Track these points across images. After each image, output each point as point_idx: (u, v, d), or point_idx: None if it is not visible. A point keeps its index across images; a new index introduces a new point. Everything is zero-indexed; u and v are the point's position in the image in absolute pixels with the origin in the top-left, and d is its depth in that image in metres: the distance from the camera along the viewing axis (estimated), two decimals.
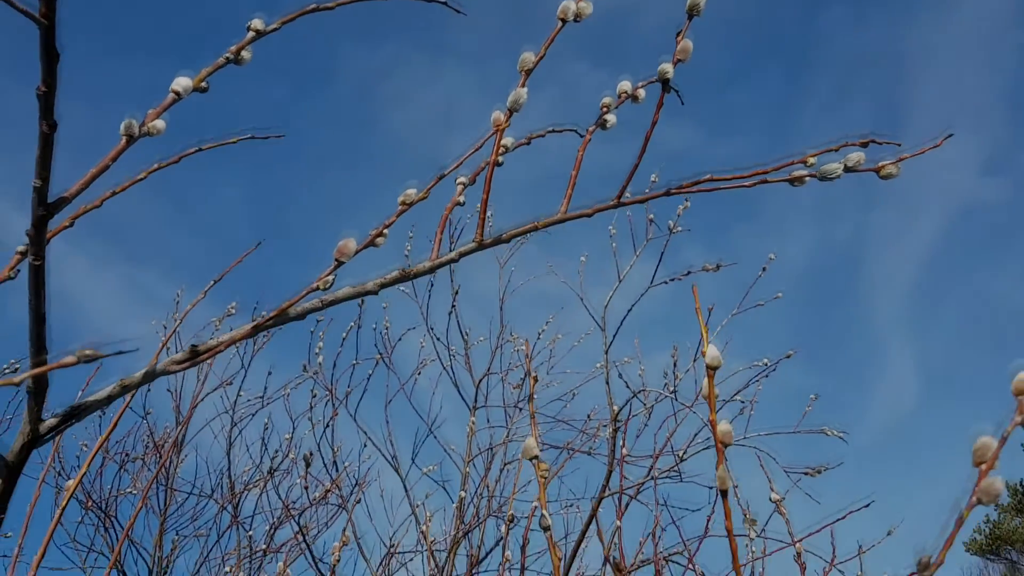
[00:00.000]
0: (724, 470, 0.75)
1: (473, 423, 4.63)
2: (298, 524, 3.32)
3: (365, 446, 4.79)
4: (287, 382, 5.39)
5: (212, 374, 5.64)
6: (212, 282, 1.77)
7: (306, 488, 3.51)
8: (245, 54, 1.05)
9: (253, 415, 5.45)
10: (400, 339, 5.04)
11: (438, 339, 4.79)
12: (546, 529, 0.98)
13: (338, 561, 1.73)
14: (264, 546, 4.35)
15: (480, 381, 4.94)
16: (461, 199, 1.12)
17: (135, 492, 4.81)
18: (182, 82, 0.92)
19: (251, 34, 1.06)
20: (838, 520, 2.71)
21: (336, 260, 0.88)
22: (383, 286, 0.94)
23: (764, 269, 4.29)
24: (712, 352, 0.80)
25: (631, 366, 4.70)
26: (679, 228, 4.31)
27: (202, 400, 5.57)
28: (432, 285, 4.94)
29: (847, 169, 1.01)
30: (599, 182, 1.18)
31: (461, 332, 4.91)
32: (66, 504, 1.55)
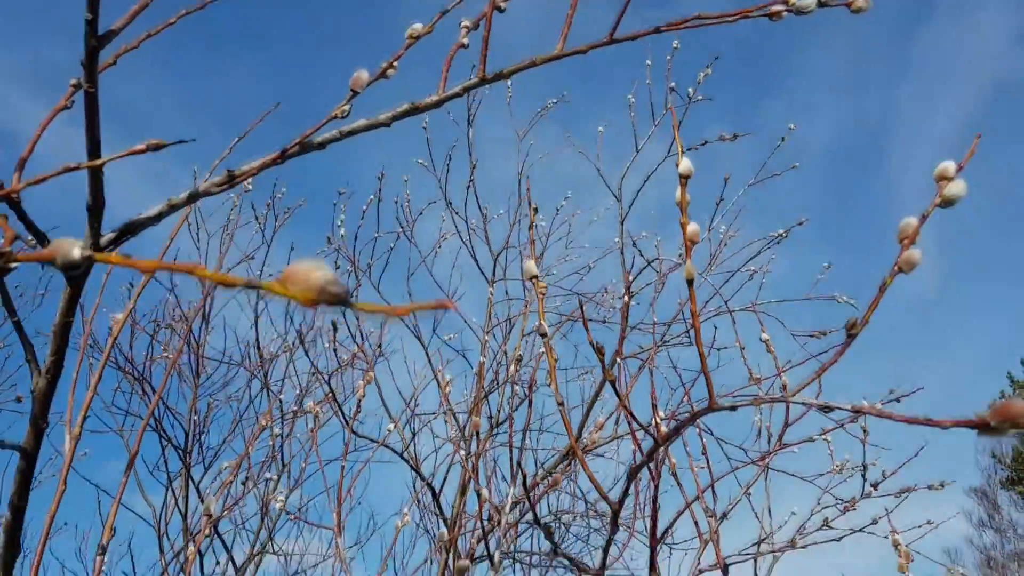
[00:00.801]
0: (691, 264, 0.87)
1: (492, 295, 4.79)
2: (329, 386, 3.52)
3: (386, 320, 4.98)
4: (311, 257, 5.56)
5: (235, 247, 5.84)
6: (236, 139, 1.87)
7: (335, 350, 3.71)
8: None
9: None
10: (420, 214, 5.16)
11: (456, 213, 4.90)
12: (543, 335, 1.11)
13: (364, 396, 1.89)
14: (295, 408, 4.61)
15: (498, 255, 5.08)
16: (465, 41, 1.20)
17: (167, 357, 5.06)
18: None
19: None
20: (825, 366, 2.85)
21: (351, 90, 0.98)
22: (395, 118, 1.04)
23: (783, 139, 4.32)
24: (685, 164, 0.90)
25: (648, 240, 4.82)
26: (700, 97, 4.32)
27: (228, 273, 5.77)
28: (450, 159, 5.02)
29: (821, 4, 1.08)
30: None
31: (479, 206, 5.02)
32: (102, 369, 1.70)
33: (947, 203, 0.73)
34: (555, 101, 5.46)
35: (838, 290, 4.43)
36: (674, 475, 1.77)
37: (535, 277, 1.12)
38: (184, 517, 5.09)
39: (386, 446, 3.21)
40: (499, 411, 4.86)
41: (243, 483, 3.37)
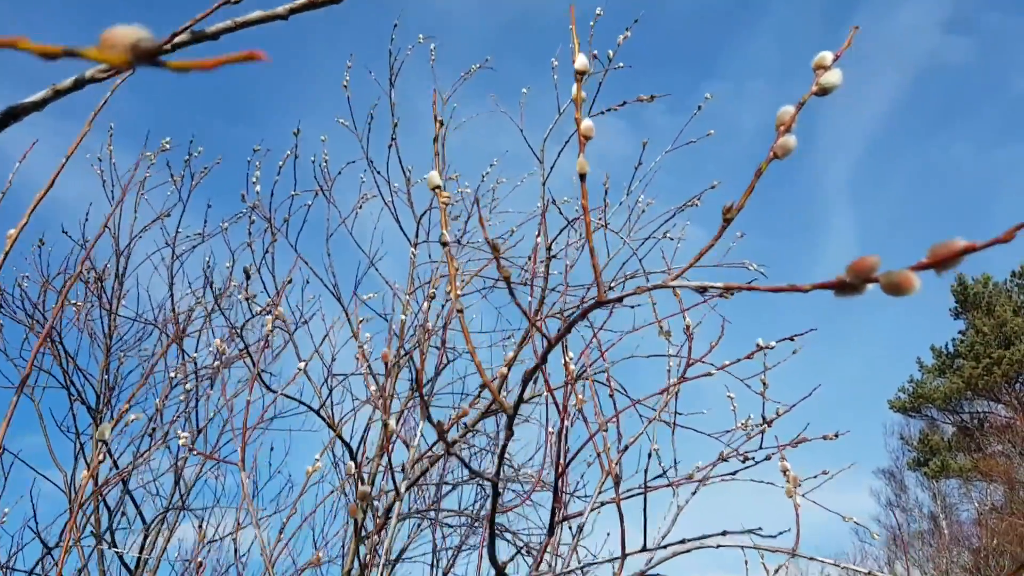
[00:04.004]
0: (583, 159, 0.88)
1: (414, 256, 4.76)
2: (241, 337, 3.45)
3: (308, 282, 4.93)
4: (226, 219, 5.44)
5: (148, 206, 5.67)
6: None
7: (247, 300, 3.64)
8: None
9: (193, 248, 5.53)
10: (340, 173, 5.09)
11: (378, 172, 4.84)
12: (444, 244, 1.11)
13: (271, 332, 1.85)
14: (214, 364, 4.52)
15: (421, 217, 5.05)
16: None
17: (75, 307, 4.90)
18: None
19: None
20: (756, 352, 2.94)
21: None
22: (293, 11, 1.02)
23: (699, 108, 4.39)
24: (581, 60, 0.91)
25: (571, 204, 4.85)
26: (621, 65, 4.36)
27: (140, 236, 5.62)
28: (372, 118, 4.96)
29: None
30: None
31: (402, 168, 4.97)
32: None
33: (823, 91, 0.76)
34: (478, 66, 5.43)
35: (753, 259, 4.56)
36: (580, 411, 1.80)
37: (438, 187, 1.12)
38: (95, 479, 4.94)
39: (299, 401, 3.18)
40: (421, 372, 4.85)
41: (149, 434, 3.29)
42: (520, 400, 1.04)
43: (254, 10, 1.04)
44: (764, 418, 2.92)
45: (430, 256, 5.24)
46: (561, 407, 1.66)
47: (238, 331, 3.47)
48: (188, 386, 3.79)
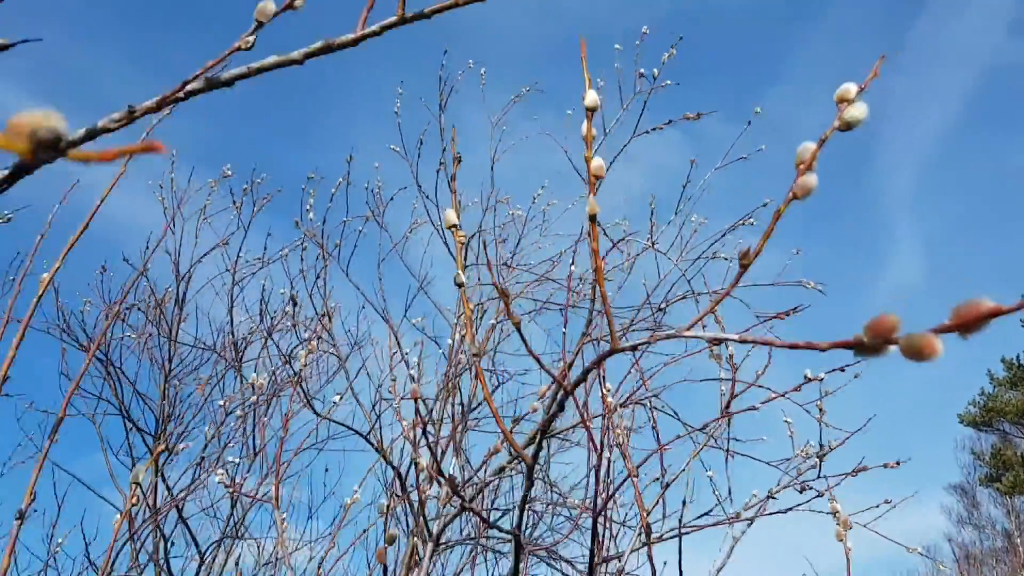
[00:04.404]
0: (593, 200, 0.84)
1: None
2: (289, 362, 3.48)
3: (363, 307, 4.96)
4: (285, 245, 5.54)
5: (211, 231, 5.80)
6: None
7: (294, 327, 3.67)
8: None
9: (253, 275, 5.62)
10: (391, 199, 5.12)
11: (427, 198, 4.86)
12: (459, 286, 1.08)
13: (305, 366, 1.85)
14: (264, 392, 4.57)
15: (469, 240, 5.04)
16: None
17: (133, 337, 5.01)
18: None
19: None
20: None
21: (256, 21, 0.94)
22: (308, 55, 1.01)
23: (748, 123, 4.31)
24: (591, 96, 0.87)
25: (619, 227, 4.80)
26: (668, 83, 4.31)
27: (200, 261, 5.74)
28: (422, 143, 4.98)
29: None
30: None
31: (450, 188, 4.98)
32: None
33: (847, 126, 0.71)
34: (528, 89, 5.43)
35: (812, 276, 4.43)
36: (619, 446, 1.75)
37: (455, 226, 1.09)
38: (153, 504, 5.03)
39: (344, 425, 3.18)
40: (471, 398, 4.83)
41: (198, 464, 3.33)
42: (538, 452, 1.00)
43: (269, 55, 1.04)
44: (821, 446, 2.82)
45: (479, 279, 5.24)
46: (597, 444, 1.61)
47: (287, 358, 3.50)
48: (240, 412, 3.83)
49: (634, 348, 0.81)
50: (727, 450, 3.04)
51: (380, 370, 4.66)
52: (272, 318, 5.16)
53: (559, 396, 0.96)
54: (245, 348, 5.58)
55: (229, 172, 5.94)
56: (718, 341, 0.70)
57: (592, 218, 0.85)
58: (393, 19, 1.04)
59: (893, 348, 0.53)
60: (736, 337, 0.69)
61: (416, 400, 1.43)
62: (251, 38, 0.95)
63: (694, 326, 0.76)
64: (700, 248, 4.54)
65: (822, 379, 2.35)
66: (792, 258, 4.35)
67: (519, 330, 0.96)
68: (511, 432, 4.16)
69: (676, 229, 4.25)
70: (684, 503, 2.11)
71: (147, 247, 5.62)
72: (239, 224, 5.53)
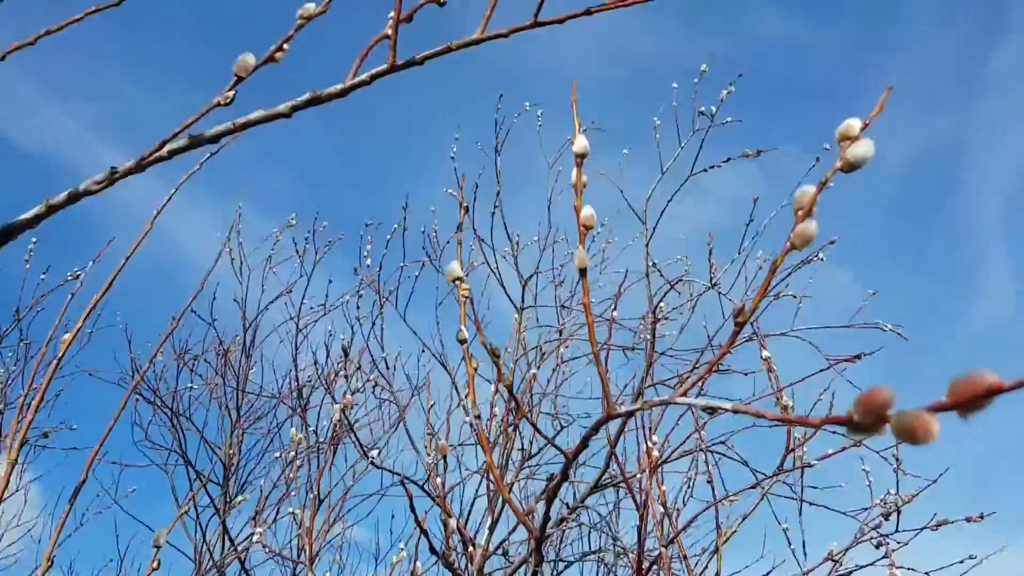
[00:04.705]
0: (583, 251, 0.77)
1: (517, 320, 4.70)
2: (343, 414, 3.46)
3: (423, 351, 4.94)
4: (346, 291, 5.58)
5: (276, 279, 5.90)
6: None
7: (346, 377, 3.66)
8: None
9: (316, 321, 5.67)
10: (448, 242, 5.12)
11: (482, 240, 4.84)
12: (462, 342, 1.01)
13: (340, 422, 1.81)
14: (325, 440, 4.56)
15: (527, 281, 4.99)
16: (388, 32, 1.13)
17: (198, 388, 5.08)
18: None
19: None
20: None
21: (236, 76, 0.91)
22: (295, 109, 0.97)
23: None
24: (580, 143, 0.81)
25: (678, 265, 4.68)
26: (730, 119, 4.20)
27: (266, 310, 5.83)
28: (477, 187, 4.98)
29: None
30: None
31: (508, 234, 4.95)
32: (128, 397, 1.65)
33: (850, 167, 0.62)
34: (585, 129, 5.37)
35: (890, 316, 4.21)
36: (663, 504, 1.64)
37: (459, 279, 1.03)
38: (220, 551, 5.07)
39: (394, 473, 3.13)
40: (531, 442, 4.74)
41: (254, 518, 3.32)
42: (545, 524, 0.92)
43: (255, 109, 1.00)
44: (899, 498, 2.63)
45: (537, 320, 5.17)
46: (640, 504, 1.51)
47: (341, 408, 3.48)
48: (299, 462, 3.83)
49: (630, 414, 0.74)
50: (799, 499, 2.88)
51: (437, 417, 4.63)
52: (328, 368, 5.19)
53: (563, 466, 0.88)
54: (309, 395, 5.62)
55: (294, 222, 6.05)
56: (711, 409, 0.62)
57: (582, 272, 0.78)
58: (383, 67, 1.00)
59: (883, 424, 0.45)
60: (730, 407, 0.60)
61: (444, 456, 1.36)
62: (231, 93, 0.92)
63: (688, 392, 0.68)
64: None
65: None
66: (868, 299, 4.15)
67: (511, 391, 0.89)
68: (568, 480, 4.04)
69: (740, 266, 4.11)
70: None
71: (214, 297, 5.75)
72: (302, 272, 5.62)
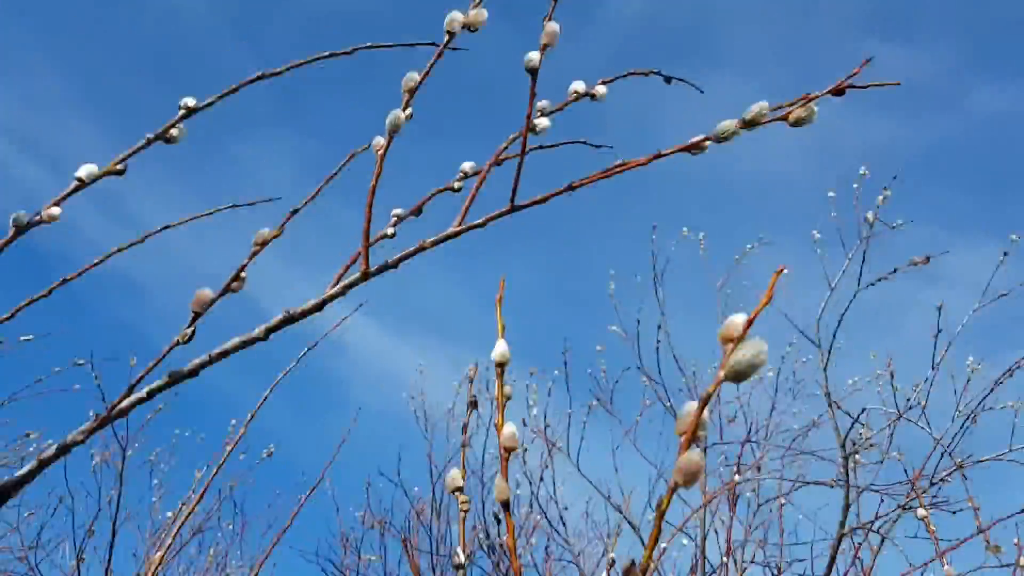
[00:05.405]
0: (502, 480, 0.66)
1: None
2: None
3: (590, 500, 4.74)
4: (521, 440, 5.54)
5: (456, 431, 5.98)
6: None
7: (501, 547, 3.54)
8: (175, 132, 1.14)
9: (495, 472, 5.64)
10: (616, 382, 4.97)
11: (651, 379, 4.66)
12: (458, 568, 0.91)
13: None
14: None
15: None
16: (390, 231, 1.11)
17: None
18: (87, 169, 1.02)
19: (182, 111, 1.15)
20: None
21: (193, 311, 0.91)
22: (270, 331, 0.96)
23: (1005, 255, 3.71)
24: (499, 347, 0.72)
25: (861, 393, 4.26)
26: (900, 223, 3.86)
27: (449, 462, 5.88)
28: (639, 323, 4.85)
29: (747, 124, 0.87)
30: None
31: (679, 366, 4.74)
32: None
33: (736, 377, 0.50)
34: (751, 246, 5.17)
35: None
36: None
37: (458, 490, 0.94)
38: None
39: None
40: None
41: None
42: None
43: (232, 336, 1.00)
44: None
45: (724, 458, 4.84)
46: None
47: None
48: None
49: None
50: None
51: None
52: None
53: None
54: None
55: (473, 374, 6.15)
56: None
57: (504, 505, 0.67)
58: (356, 276, 0.97)
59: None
60: None
61: None
62: (189, 331, 0.92)
63: None
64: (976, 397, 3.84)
65: None
66: None
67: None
68: None
69: (931, 382, 3.65)
70: None
71: (399, 458, 5.88)
72: (478, 422, 5.65)
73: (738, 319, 0.50)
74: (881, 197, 3.58)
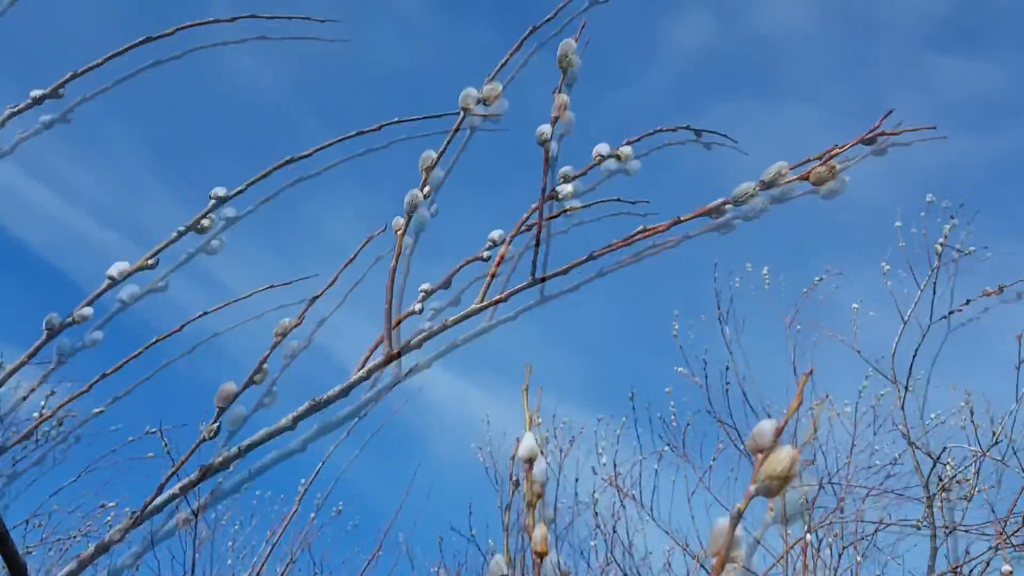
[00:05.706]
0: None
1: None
2: None
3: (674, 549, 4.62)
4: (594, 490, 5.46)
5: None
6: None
7: None
8: (205, 222, 1.16)
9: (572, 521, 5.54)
10: (688, 425, 4.86)
11: (723, 422, 4.54)
12: None
13: None
14: None
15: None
16: (418, 307, 1.10)
17: None
18: (119, 267, 1.04)
19: (212, 201, 1.17)
20: None
21: (218, 407, 0.91)
22: (297, 419, 0.95)
23: None
24: (527, 442, 0.69)
25: (945, 428, 4.06)
26: (972, 249, 3.71)
27: None
28: (706, 364, 4.75)
29: (766, 185, 0.83)
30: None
31: (750, 407, 4.61)
32: None
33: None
34: (819, 279, 5.02)
35: None
36: None
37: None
38: None
39: None
40: None
41: None
42: None
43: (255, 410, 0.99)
44: None
45: (806, 501, 4.66)
46: None
47: None
48: None
49: None
50: None
51: None
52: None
53: None
54: None
55: (540, 421, 6.11)
56: None
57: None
58: (380, 360, 0.96)
59: None
60: None
61: None
62: (215, 426, 0.92)
63: None
64: None
65: None
66: None
67: None
68: None
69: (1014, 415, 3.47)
70: None
71: (469, 511, 5.83)
72: (548, 469, 5.59)
73: (767, 426, 0.48)
74: (948, 226, 3.44)
